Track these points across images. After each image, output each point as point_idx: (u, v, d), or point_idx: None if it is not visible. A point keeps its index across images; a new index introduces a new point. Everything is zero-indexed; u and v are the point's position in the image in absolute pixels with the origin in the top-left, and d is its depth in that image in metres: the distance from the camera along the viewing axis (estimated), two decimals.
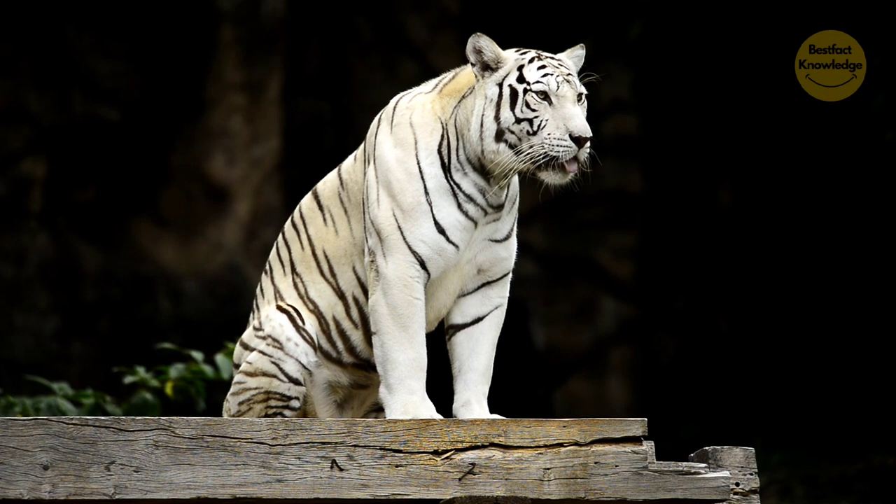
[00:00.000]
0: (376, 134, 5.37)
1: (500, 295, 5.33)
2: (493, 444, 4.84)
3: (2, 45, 12.68)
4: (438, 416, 5.13)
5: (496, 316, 5.32)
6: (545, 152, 5.08)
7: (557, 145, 5.09)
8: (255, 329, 5.43)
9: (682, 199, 13.31)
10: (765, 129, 12.85)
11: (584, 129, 5.07)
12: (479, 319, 5.32)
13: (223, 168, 13.01)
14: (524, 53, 5.23)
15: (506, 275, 5.32)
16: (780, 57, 11.74)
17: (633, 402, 13.18)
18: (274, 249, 5.58)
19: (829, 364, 12.72)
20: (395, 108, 5.38)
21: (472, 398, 5.25)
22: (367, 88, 13.07)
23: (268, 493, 4.76)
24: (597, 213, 13.28)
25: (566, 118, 5.09)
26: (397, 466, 4.80)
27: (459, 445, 4.83)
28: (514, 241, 5.33)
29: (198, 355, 8.52)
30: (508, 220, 5.29)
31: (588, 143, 5.09)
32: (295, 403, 5.34)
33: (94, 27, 12.81)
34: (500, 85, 5.17)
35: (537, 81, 5.12)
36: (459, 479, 4.80)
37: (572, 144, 5.07)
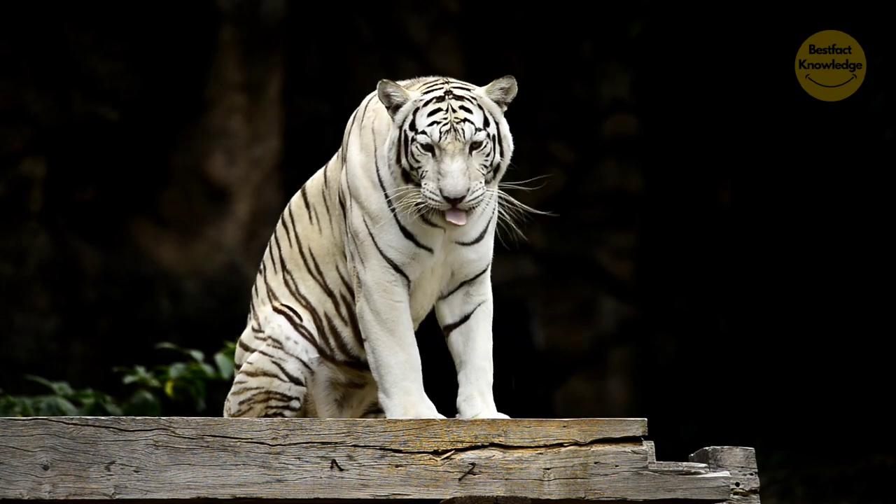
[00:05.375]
0: (349, 134, 5.33)
1: (479, 293, 5.28)
2: (493, 444, 4.84)
3: (2, 45, 12.68)
4: (439, 416, 5.14)
5: (481, 311, 5.28)
6: (425, 203, 5.01)
7: (430, 199, 5.00)
8: (255, 330, 5.43)
9: (682, 199, 13.31)
10: (765, 129, 12.85)
11: (454, 190, 4.95)
12: (466, 317, 5.30)
13: (223, 168, 13.01)
14: (427, 92, 5.10)
15: (479, 274, 5.26)
16: (780, 57, 11.73)
17: (633, 402, 13.18)
18: (267, 249, 5.58)
19: (828, 364, 12.72)
20: (365, 108, 5.33)
21: (475, 392, 5.24)
22: (367, 88, 13.02)
23: (268, 493, 4.76)
24: (597, 213, 13.28)
25: (442, 174, 4.98)
26: (397, 466, 4.80)
27: (459, 445, 4.83)
28: (486, 243, 5.23)
29: (198, 355, 8.52)
30: (479, 223, 5.20)
31: (473, 197, 4.97)
32: (295, 404, 5.33)
33: (94, 27, 12.81)
34: (400, 128, 5.08)
35: (422, 132, 5.01)
36: (459, 479, 4.80)
37: (443, 201, 4.98)
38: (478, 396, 5.24)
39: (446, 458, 4.81)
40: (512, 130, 5.29)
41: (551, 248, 13.25)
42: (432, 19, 13.28)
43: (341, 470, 4.78)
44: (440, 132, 4.99)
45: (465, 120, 5.01)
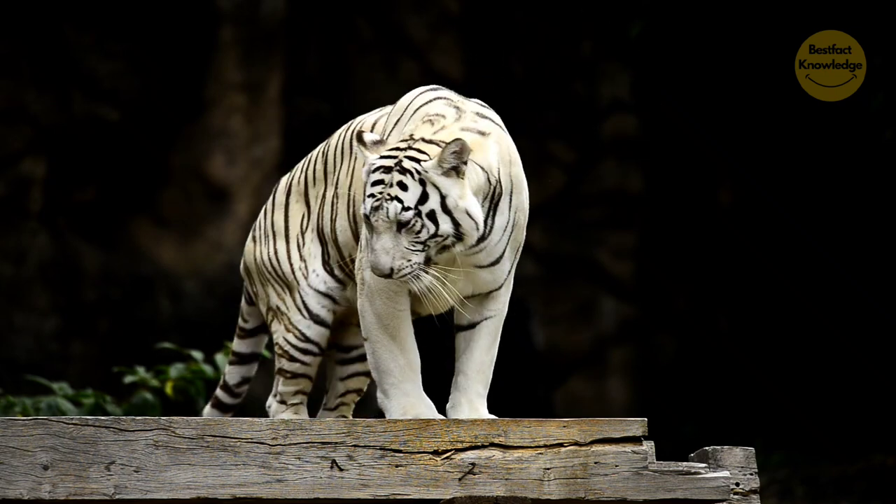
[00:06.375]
0: (393, 127, 5.24)
1: (489, 307, 5.22)
2: (493, 444, 4.84)
3: (2, 45, 12.68)
4: (438, 416, 5.14)
5: (488, 325, 5.23)
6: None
7: (368, 267, 5.03)
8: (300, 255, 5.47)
9: (682, 199, 13.31)
10: (765, 129, 12.85)
11: (376, 268, 4.91)
12: (473, 325, 5.27)
13: (223, 168, 13.01)
14: (384, 157, 4.96)
15: (493, 290, 5.20)
16: (780, 57, 11.73)
17: (633, 402, 13.17)
18: (320, 162, 5.59)
19: (828, 364, 12.72)
20: (413, 112, 5.19)
21: (463, 400, 5.22)
22: (367, 88, 13.07)
23: (268, 493, 4.76)
24: (597, 213, 13.28)
25: (371, 248, 4.94)
26: (397, 466, 4.80)
27: (459, 445, 4.83)
28: (503, 264, 5.16)
29: (198, 355, 8.51)
30: (498, 247, 5.12)
31: (401, 275, 4.93)
32: (313, 348, 5.36)
33: (94, 27, 12.81)
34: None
35: (363, 201, 4.97)
36: (459, 479, 4.80)
37: (373, 271, 4.98)
38: (465, 404, 5.20)
39: (446, 458, 4.81)
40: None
41: (551, 248, 13.25)
42: (432, 19, 13.28)
43: (341, 470, 4.78)
44: (371, 207, 4.92)
45: (395, 198, 4.91)
